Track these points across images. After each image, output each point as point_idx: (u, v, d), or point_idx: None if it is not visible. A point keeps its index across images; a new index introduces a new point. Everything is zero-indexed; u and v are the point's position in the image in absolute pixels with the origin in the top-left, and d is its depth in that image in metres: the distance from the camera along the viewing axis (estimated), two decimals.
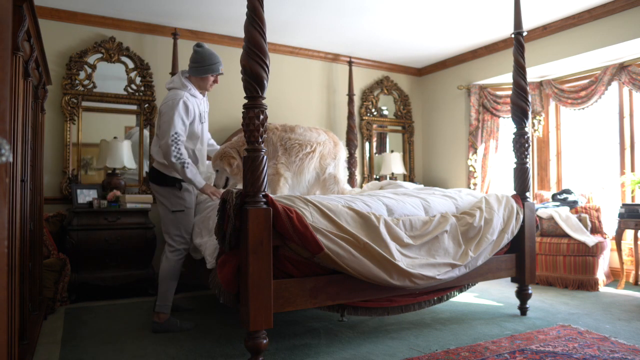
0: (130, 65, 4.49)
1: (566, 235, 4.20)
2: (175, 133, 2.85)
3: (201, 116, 3.08)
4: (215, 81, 3.13)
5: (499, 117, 5.45)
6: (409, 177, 6.07)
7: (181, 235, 3.02)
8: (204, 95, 3.17)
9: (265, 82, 2.19)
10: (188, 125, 2.95)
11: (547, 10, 4.29)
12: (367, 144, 5.83)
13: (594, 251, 4.00)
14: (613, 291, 3.98)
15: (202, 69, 3.01)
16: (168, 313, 2.97)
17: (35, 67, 2.50)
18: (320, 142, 3.59)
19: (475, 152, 5.54)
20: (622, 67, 4.45)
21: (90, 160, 4.34)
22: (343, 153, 3.80)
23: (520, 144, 3.30)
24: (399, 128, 6.13)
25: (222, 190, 3.01)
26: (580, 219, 4.26)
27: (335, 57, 5.57)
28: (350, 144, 5.37)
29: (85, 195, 4.01)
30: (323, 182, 3.64)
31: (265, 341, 2.18)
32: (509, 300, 3.68)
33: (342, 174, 3.70)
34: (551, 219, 4.32)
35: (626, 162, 4.59)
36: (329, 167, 3.60)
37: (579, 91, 4.76)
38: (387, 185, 4.06)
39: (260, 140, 2.20)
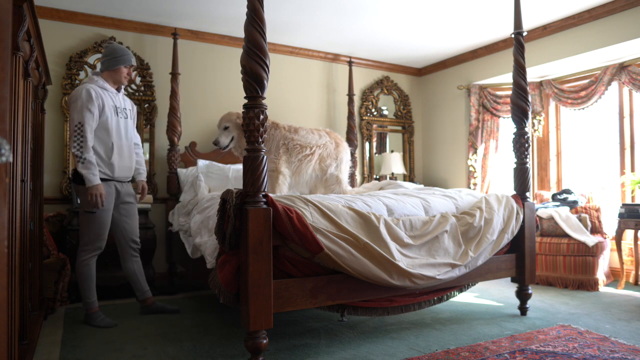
0: None
1: (566, 235, 4.20)
2: (79, 123, 2.84)
3: (117, 109, 3.07)
4: (129, 73, 3.14)
5: (499, 117, 5.45)
6: (409, 177, 6.07)
7: (86, 235, 3.00)
8: (119, 91, 3.17)
9: (265, 82, 2.19)
10: (97, 114, 2.92)
11: (547, 10, 4.29)
12: (367, 144, 5.83)
13: (594, 251, 4.00)
14: (613, 291, 3.98)
15: (113, 61, 3.05)
16: (92, 308, 3.07)
17: (35, 67, 2.50)
18: (320, 144, 3.63)
19: (475, 152, 5.54)
20: (622, 67, 4.45)
21: None
22: (346, 154, 3.82)
23: (520, 144, 3.30)
24: (399, 128, 6.13)
25: (101, 202, 2.93)
26: (580, 219, 4.26)
27: (335, 57, 5.57)
28: (350, 144, 5.37)
29: None
30: (325, 182, 3.66)
31: (265, 341, 2.18)
32: (509, 300, 3.68)
33: (345, 175, 3.71)
34: (551, 219, 4.32)
35: (626, 162, 4.59)
36: (331, 167, 3.63)
37: (579, 91, 4.76)
38: (387, 185, 4.06)
39: (260, 140, 2.19)
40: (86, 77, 4.29)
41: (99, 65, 3.14)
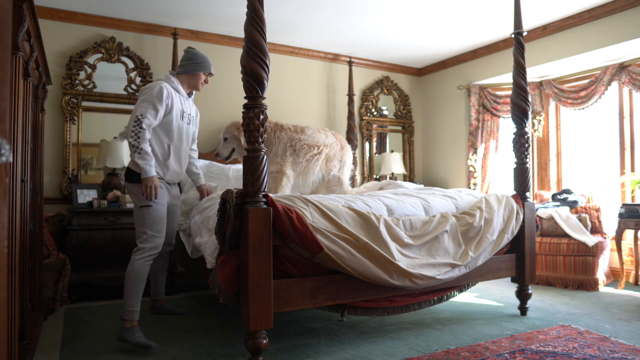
0: (130, 65, 4.49)
1: (566, 235, 4.20)
2: (141, 115, 2.73)
3: (183, 115, 3.00)
4: (206, 81, 3.11)
5: (499, 117, 5.45)
6: (409, 177, 6.07)
7: (145, 232, 2.79)
8: (190, 96, 3.14)
9: (265, 82, 2.19)
10: (162, 113, 2.83)
11: (547, 10, 4.29)
12: (367, 144, 5.83)
13: (594, 251, 4.00)
14: (613, 291, 3.98)
15: (194, 66, 3.01)
16: (132, 319, 2.69)
17: (35, 67, 2.49)
18: (327, 144, 3.64)
19: (475, 152, 5.54)
20: (622, 67, 4.45)
21: (90, 160, 4.34)
22: (349, 157, 3.83)
23: (520, 144, 3.30)
24: (399, 128, 6.13)
25: (156, 194, 2.80)
26: (580, 219, 4.26)
27: (335, 57, 5.57)
28: (350, 144, 5.36)
29: (85, 195, 4.01)
30: (327, 183, 3.67)
31: (265, 341, 2.18)
32: (509, 300, 3.68)
33: (347, 177, 3.72)
34: (551, 219, 4.32)
35: (626, 162, 4.59)
36: (334, 169, 3.64)
37: (579, 91, 4.76)
38: (387, 186, 4.06)
39: (260, 140, 2.19)
40: (86, 77, 4.29)
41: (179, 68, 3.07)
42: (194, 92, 3.17)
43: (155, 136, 2.87)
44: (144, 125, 2.73)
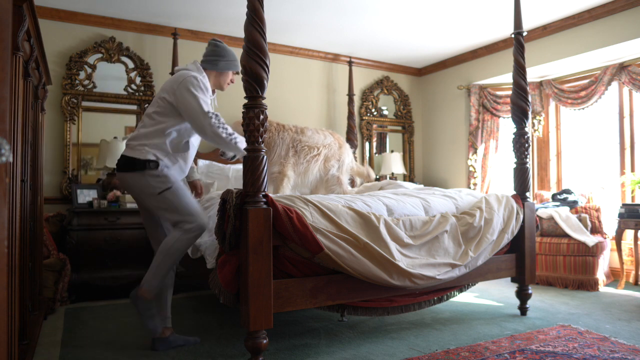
0: (130, 65, 4.49)
1: (566, 235, 4.20)
2: (207, 111, 2.49)
3: None
4: (232, 80, 2.88)
5: (499, 117, 5.45)
6: (409, 177, 6.07)
7: (189, 214, 2.54)
8: (213, 93, 2.86)
9: (265, 82, 2.19)
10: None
11: (547, 10, 4.29)
12: (367, 144, 5.83)
13: (594, 251, 4.00)
14: (613, 291, 3.98)
15: (224, 63, 2.76)
16: (151, 296, 2.56)
17: (35, 67, 2.49)
18: (325, 144, 3.65)
19: (475, 152, 5.54)
20: (622, 67, 4.45)
21: (90, 160, 4.35)
22: (348, 156, 3.83)
23: (520, 144, 3.30)
24: (399, 128, 6.13)
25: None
26: (580, 219, 4.26)
27: (335, 57, 5.57)
28: (350, 144, 5.37)
29: (85, 195, 4.01)
30: (326, 182, 3.68)
31: (265, 341, 2.18)
32: (509, 300, 3.68)
33: (345, 176, 3.72)
34: (551, 219, 4.32)
35: (626, 162, 4.59)
36: (333, 168, 3.65)
37: (579, 91, 4.76)
38: (387, 185, 4.06)
39: (260, 140, 2.19)
40: (86, 77, 4.29)
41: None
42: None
43: (182, 131, 2.63)
44: (217, 115, 2.53)
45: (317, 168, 3.64)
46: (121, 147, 4.17)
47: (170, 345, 2.61)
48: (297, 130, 3.65)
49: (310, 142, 3.61)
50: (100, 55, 4.36)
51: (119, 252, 3.84)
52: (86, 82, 4.29)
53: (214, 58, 2.77)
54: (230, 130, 2.54)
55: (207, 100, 2.56)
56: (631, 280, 4.25)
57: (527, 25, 4.56)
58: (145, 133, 2.59)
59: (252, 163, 2.17)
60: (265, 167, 2.20)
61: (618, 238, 4.05)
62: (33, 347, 2.41)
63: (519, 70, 3.27)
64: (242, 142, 2.48)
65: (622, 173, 4.55)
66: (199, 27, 4.66)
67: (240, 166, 4.30)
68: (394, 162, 5.68)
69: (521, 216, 3.17)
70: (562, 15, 4.42)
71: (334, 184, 3.67)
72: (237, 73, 2.84)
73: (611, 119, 4.77)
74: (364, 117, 5.79)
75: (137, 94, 4.50)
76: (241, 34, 2.24)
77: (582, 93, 4.73)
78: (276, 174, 3.42)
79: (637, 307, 3.42)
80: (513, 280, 3.29)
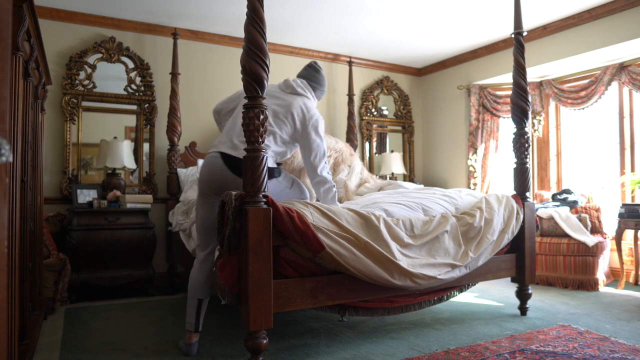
0: (130, 65, 4.49)
1: (566, 235, 4.20)
2: (326, 153, 2.67)
3: None
4: None
5: (499, 117, 5.45)
6: (409, 177, 6.07)
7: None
8: None
9: (265, 82, 2.19)
10: None
11: (547, 10, 4.29)
12: (367, 144, 5.83)
13: (594, 251, 4.00)
14: (613, 291, 3.98)
15: (320, 93, 2.81)
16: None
17: (35, 67, 2.49)
18: (337, 149, 3.67)
19: (475, 152, 5.54)
20: (622, 67, 4.45)
21: (90, 160, 4.35)
22: (358, 164, 3.84)
23: (520, 144, 3.30)
24: (399, 128, 6.13)
25: None
26: (580, 219, 4.26)
27: (335, 57, 5.57)
28: (350, 144, 5.37)
29: (85, 195, 4.01)
30: None
31: (265, 341, 2.18)
32: (509, 300, 3.68)
33: (353, 183, 3.72)
34: (551, 219, 4.32)
35: (626, 162, 4.59)
36: (342, 173, 3.65)
37: (579, 91, 4.76)
38: (387, 186, 4.06)
39: (260, 140, 2.19)
40: (86, 77, 4.29)
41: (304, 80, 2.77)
42: None
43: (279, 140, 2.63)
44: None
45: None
46: (121, 148, 4.16)
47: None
48: None
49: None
50: (100, 55, 4.35)
51: (119, 252, 3.84)
52: (86, 82, 4.29)
53: (315, 85, 2.77)
54: (331, 179, 2.65)
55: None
56: (631, 280, 4.25)
57: (527, 25, 4.56)
58: (278, 152, 2.62)
59: (252, 163, 2.17)
60: (265, 167, 2.20)
61: (618, 238, 4.05)
62: (33, 347, 2.41)
63: (519, 70, 3.27)
64: (335, 196, 2.64)
65: (622, 173, 4.55)
66: (199, 27, 4.66)
67: None
68: (394, 162, 5.68)
69: (521, 216, 3.17)
70: (562, 15, 4.42)
71: (340, 187, 3.67)
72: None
73: (611, 119, 4.77)
74: (364, 117, 5.79)
75: (137, 94, 4.50)
76: (241, 34, 2.24)
77: (582, 93, 4.73)
78: (297, 172, 3.44)
79: (637, 307, 3.42)
80: (513, 280, 3.29)
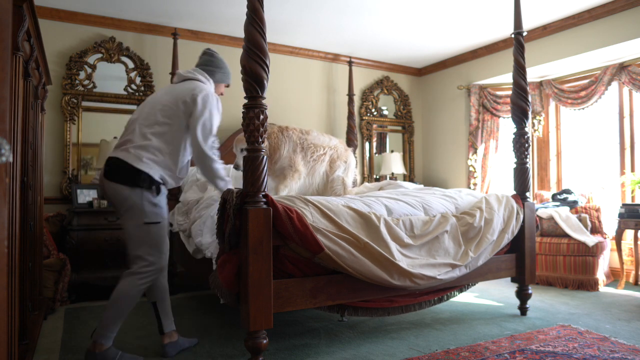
0: (130, 65, 4.49)
1: (566, 235, 4.20)
2: (215, 133, 2.47)
3: None
4: (222, 93, 2.81)
5: (499, 117, 5.45)
6: (409, 177, 6.07)
7: (151, 253, 2.36)
8: None
9: (265, 82, 2.19)
10: None
11: (547, 10, 4.29)
12: (367, 144, 5.83)
13: (594, 251, 3.99)
14: (613, 291, 3.98)
15: (220, 75, 2.70)
16: (107, 345, 2.32)
17: (35, 67, 2.49)
18: (332, 146, 3.68)
19: (475, 152, 5.54)
20: (622, 67, 4.45)
21: (90, 160, 4.35)
22: (353, 159, 3.86)
23: (520, 144, 3.30)
24: (399, 128, 6.13)
25: None
26: (580, 219, 4.26)
27: (335, 57, 5.57)
28: (350, 144, 5.37)
29: (85, 195, 4.01)
30: (331, 182, 3.69)
31: (265, 341, 2.18)
32: (509, 300, 3.68)
33: (350, 179, 3.73)
34: (551, 219, 4.32)
35: (626, 162, 4.59)
36: (339, 169, 3.66)
37: (579, 91, 4.76)
38: (387, 186, 4.06)
39: (260, 140, 2.19)
40: (86, 77, 4.29)
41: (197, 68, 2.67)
42: None
43: (184, 149, 2.48)
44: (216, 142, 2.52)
45: (323, 170, 3.66)
46: None
47: (179, 348, 2.56)
48: (302, 131, 3.69)
49: (316, 141, 3.63)
50: (100, 55, 4.35)
51: (119, 252, 3.84)
52: (86, 82, 4.29)
53: (211, 69, 2.68)
54: (218, 163, 2.47)
55: (217, 122, 2.49)
56: (631, 280, 4.25)
57: (527, 25, 4.56)
58: (158, 148, 2.37)
59: (252, 163, 2.17)
60: (265, 167, 2.20)
61: (618, 238, 4.05)
62: (33, 347, 2.41)
63: (519, 70, 3.27)
64: (223, 183, 2.48)
65: (622, 173, 4.55)
66: (199, 27, 4.66)
67: None
68: (394, 162, 5.68)
69: (521, 216, 3.17)
70: (562, 15, 4.42)
71: (339, 184, 3.67)
72: (228, 86, 2.82)
73: (611, 119, 4.77)
74: (364, 117, 5.79)
75: (137, 94, 4.50)
76: (241, 34, 2.24)
77: (582, 93, 4.73)
78: (286, 169, 3.43)
79: (637, 307, 3.42)
80: (513, 280, 3.29)
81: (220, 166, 2.49)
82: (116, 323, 2.34)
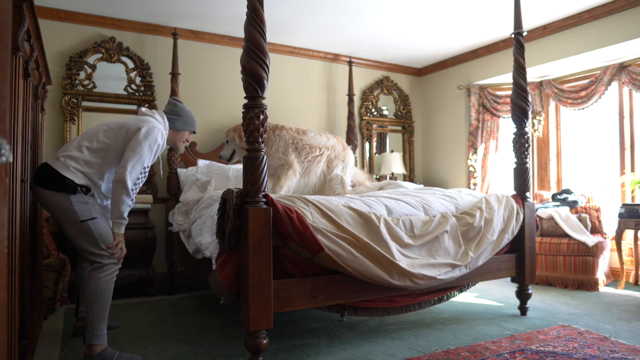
0: (130, 65, 4.49)
1: (566, 235, 4.20)
2: (146, 167, 2.53)
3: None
4: (187, 139, 2.91)
5: (499, 117, 5.45)
6: (409, 177, 6.07)
7: (100, 246, 2.40)
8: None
9: (265, 82, 2.19)
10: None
11: (547, 10, 4.29)
12: (367, 144, 5.83)
13: (594, 251, 3.99)
14: (613, 291, 3.98)
15: (181, 124, 2.79)
16: (103, 344, 2.38)
17: (35, 67, 2.49)
18: (329, 146, 3.68)
19: (475, 152, 5.54)
20: (622, 67, 4.45)
21: None
22: (352, 158, 3.86)
23: (520, 144, 3.30)
24: (399, 128, 6.13)
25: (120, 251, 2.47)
26: (580, 219, 4.26)
27: (335, 57, 5.57)
28: (350, 144, 5.37)
29: None
30: (329, 181, 3.68)
31: (265, 341, 2.18)
32: (509, 300, 3.68)
33: (349, 178, 3.74)
34: (551, 219, 4.32)
35: (626, 162, 4.59)
36: (337, 168, 3.67)
37: (579, 91, 4.76)
38: (387, 186, 4.06)
39: (260, 140, 2.20)
40: (86, 77, 4.29)
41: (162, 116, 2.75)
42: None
43: (113, 164, 2.53)
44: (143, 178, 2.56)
45: (320, 169, 3.66)
46: None
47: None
48: (299, 131, 3.69)
49: (311, 142, 3.63)
50: (100, 55, 4.35)
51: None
52: (86, 82, 4.29)
53: (175, 117, 2.79)
54: (130, 199, 2.47)
55: (151, 158, 2.55)
56: (631, 280, 4.25)
57: (527, 25, 4.56)
58: (87, 161, 2.47)
59: (252, 163, 2.17)
60: (265, 167, 2.20)
61: (618, 238, 4.05)
62: (33, 347, 2.41)
63: (519, 70, 3.27)
64: (128, 210, 2.47)
65: (622, 173, 4.55)
66: (199, 27, 4.66)
67: (240, 166, 4.30)
68: (394, 162, 5.68)
69: (521, 216, 3.17)
70: (562, 15, 4.42)
71: (338, 183, 3.68)
72: (194, 132, 2.91)
73: (611, 119, 4.77)
74: (364, 117, 5.79)
75: (137, 94, 4.50)
76: (241, 34, 2.24)
77: (582, 93, 4.73)
78: (279, 167, 3.44)
79: (637, 307, 3.42)
80: (513, 280, 3.29)
81: (128, 202, 2.46)
82: (102, 321, 2.39)
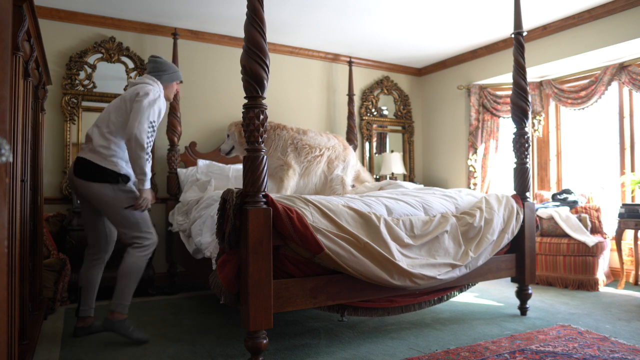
0: (130, 65, 4.49)
1: (566, 235, 4.20)
2: (153, 121, 2.68)
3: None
4: (177, 90, 3.04)
5: (499, 117, 5.45)
6: (409, 177, 6.07)
7: (142, 230, 2.73)
8: None
9: (265, 82, 2.19)
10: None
11: (547, 10, 4.29)
12: (367, 144, 5.83)
13: (594, 251, 3.99)
14: (613, 291, 3.98)
15: (167, 76, 2.92)
16: (125, 314, 2.71)
17: (35, 67, 2.49)
18: (329, 146, 3.69)
19: (475, 152, 5.54)
20: (622, 67, 4.45)
21: None
22: (352, 157, 3.87)
23: (520, 144, 3.30)
24: (399, 128, 6.13)
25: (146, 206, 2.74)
26: (580, 219, 4.26)
27: (335, 57, 5.57)
28: (350, 144, 5.37)
29: None
30: (330, 182, 3.69)
31: (265, 341, 2.18)
32: (509, 300, 3.68)
33: (349, 178, 3.74)
34: (551, 219, 4.32)
35: (626, 162, 4.59)
36: (337, 169, 3.67)
37: (579, 91, 4.76)
38: (387, 186, 4.06)
39: (260, 140, 2.19)
40: (86, 77, 4.29)
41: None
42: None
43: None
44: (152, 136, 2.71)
45: (321, 170, 3.66)
46: None
47: (91, 332, 2.84)
48: (299, 131, 3.70)
49: (311, 142, 3.64)
50: (100, 55, 4.35)
51: (119, 252, 3.82)
52: (86, 82, 4.29)
53: (157, 73, 2.92)
54: (146, 153, 2.65)
55: (156, 113, 2.74)
56: (631, 280, 4.25)
57: (527, 25, 4.56)
58: (115, 143, 2.72)
59: (252, 163, 2.17)
60: (265, 167, 2.20)
61: (618, 238, 4.05)
62: (33, 347, 2.41)
63: (519, 70, 3.27)
64: (149, 166, 2.67)
65: (622, 173, 4.55)
66: (199, 27, 4.66)
67: (240, 166, 4.30)
68: (394, 162, 5.68)
69: (521, 216, 3.17)
70: (562, 15, 4.42)
71: (338, 184, 3.68)
72: (181, 82, 3.04)
73: (611, 119, 4.77)
74: (364, 117, 5.79)
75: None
76: (241, 34, 2.24)
77: (582, 93, 4.73)
78: (279, 167, 3.46)
79: (637, 307, 3.42)
80: (513, 280, 3.29)
81: (144, 157, 2.64)
82: (130, 292, 2.72)
